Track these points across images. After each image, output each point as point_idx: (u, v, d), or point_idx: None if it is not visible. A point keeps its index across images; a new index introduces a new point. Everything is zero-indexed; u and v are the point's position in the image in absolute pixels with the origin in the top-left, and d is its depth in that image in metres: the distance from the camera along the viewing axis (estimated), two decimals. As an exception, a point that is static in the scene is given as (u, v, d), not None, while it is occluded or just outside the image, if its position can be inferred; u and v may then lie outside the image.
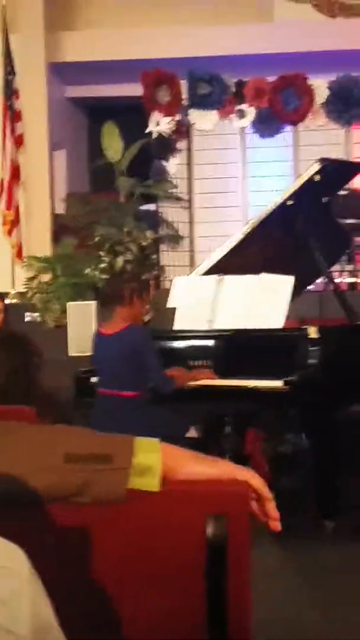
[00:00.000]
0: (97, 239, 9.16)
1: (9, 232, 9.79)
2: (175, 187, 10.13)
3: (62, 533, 1.34)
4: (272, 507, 1.40)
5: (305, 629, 3.80)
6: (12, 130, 9.92)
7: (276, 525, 1.41)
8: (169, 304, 5.74)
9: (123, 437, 1.32)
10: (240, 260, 5.76)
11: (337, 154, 9.66)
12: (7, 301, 9.02)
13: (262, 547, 4.39)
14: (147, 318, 6.02)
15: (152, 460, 1.30)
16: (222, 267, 5.73)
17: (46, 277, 9.25)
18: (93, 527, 1.35)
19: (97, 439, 1.31)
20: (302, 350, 5.05)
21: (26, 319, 8.85)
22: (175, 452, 1.35)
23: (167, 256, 10.19)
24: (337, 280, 6.98)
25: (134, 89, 10.16)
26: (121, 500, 1.29)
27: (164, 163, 10.13)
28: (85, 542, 1.36)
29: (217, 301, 5.52)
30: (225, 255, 5.80)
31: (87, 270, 8.87)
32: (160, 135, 9.93)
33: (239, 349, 5.41)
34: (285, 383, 4.93)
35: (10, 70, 9.96)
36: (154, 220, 10.10)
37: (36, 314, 8.87)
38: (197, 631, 1.37)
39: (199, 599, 1.36)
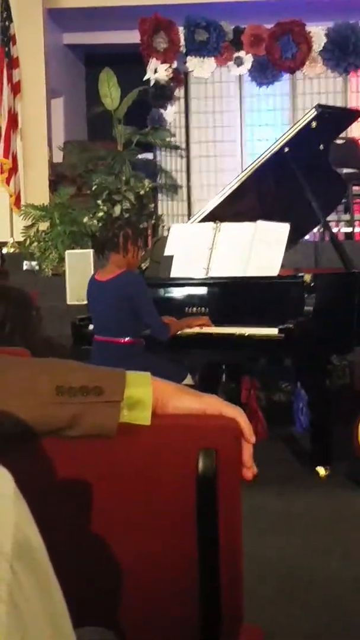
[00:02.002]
0: (94, 187, 9.13)
1: (7, 181, 9.74)
2: (173, 135, 10.08)
3: (52, 467, 1.34)
4: (248, 452, 1.36)
5: (294, 574, 3.86)
6: (10, 77, 9.83)
7: (247, 473, 1.37)
8: (167, 252, 5.73)
9: (115, 371, 1.31)
10: (237, 208, 5.76)
11: (334, 102, 9.62)
12: (4, 250, 9.04)
13: (255, 492, 4.45)
14: (144, 266, 6.02)
15: (144, 394, 1.30)
16: (219, 214, 5.72)
17: (44, 226, 9.23)
18: (84, 461, 1.35)
19: (89, 372, 1.29)
20: (297, 298, 5.06)
21: (24, 268, 8.86)
22: (165, 386, 1.34)
23: (164, 205, 10.16)
24: (334, 230, 6.98)
25: (132, 36, 10.07)
26: (112, 434, 1.29)
27: (162, 111, 10.07)
28: (76, 476, 1.35)
29: (213, 249, 5.52)
30: (222, 203, 5.80)
31: (85, 219, 8.86)
32: (157, 82, 9.85)
33: (234, 297, 5.42)
34: (280, 331, 4.95)
35: (7, 17, 9.85)
36: (152, 169, 10.05)
37: (34, 263, 8.87)
38: (188, 567, 1.37)
39: (191, 535, 1.36)
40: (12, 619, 0.74)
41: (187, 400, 1.36)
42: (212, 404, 1.37)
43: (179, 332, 5.22)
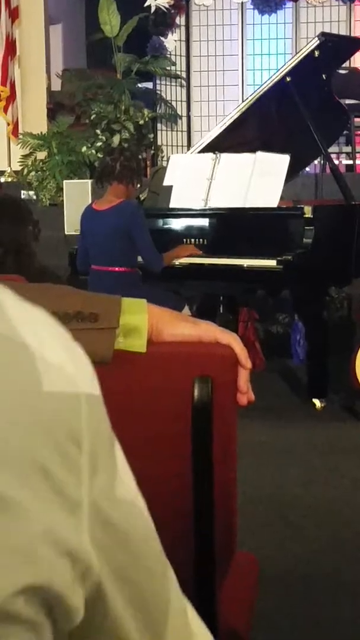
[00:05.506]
0: (93, 116, 9.03)
1: (4, 109, 9.60)
2: (173, 64, 9.93)
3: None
4: (243, 378, 1.35)
5: (290, 503, 3.89)
6: (8, 2, 9.64)
7: (242, 399, 1.37)
8: (165, 182, 5.70)
9: (111, 297, 1.29)
10: (237, 139, 5.71)
11: (338, 31, 9.45)
12: (2, 179, 8.97)
13: (252, 423, 4.47)
14: (142, 196, 5.97)
15: (139, 321, 1.29)
16: (219, 145, 5.67)
17: (42, 155, 9.14)
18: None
19: (84, 298, 1.27)
20: (296, 230, 5.04)
21: (22, 197, 8.79)
22: (161, 313, 1.33)
23: (164, 135, 10.06)
24: (335, 162, 6.91)
25: None
26: (107, 361, 1.27)
27: (162, 39, 9.91)
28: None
29: (212, 180, 5.48)
30: (221, 134, 5.74)
31: (83, 149, 8.78)
32: (158, 9, 9.68)
33: (233, 228, 5.40)
34: (279, 262, 4.94)
35: None
36: (151, 98, 9.93)
37: (32, 192, 8.80)
38: (183, 497, 1.37)
39: (186, 462, 1.35)
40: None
41: (182, 327, 1.34)
42: (208, 331, 1.36)
43: (177, 263, 5.22)
